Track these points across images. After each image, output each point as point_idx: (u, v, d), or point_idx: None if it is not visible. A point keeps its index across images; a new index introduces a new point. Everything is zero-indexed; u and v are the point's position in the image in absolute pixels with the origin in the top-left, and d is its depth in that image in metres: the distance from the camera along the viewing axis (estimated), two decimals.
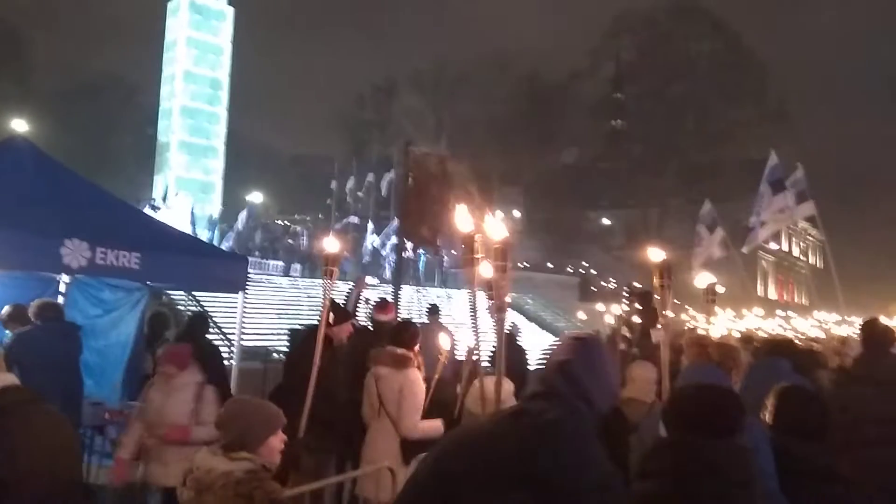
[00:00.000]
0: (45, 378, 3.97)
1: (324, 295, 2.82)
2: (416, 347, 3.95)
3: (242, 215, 24.02)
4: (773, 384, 3.01)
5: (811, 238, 58.16)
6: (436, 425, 3.76)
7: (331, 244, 2.81)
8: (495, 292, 2.42)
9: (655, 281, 3.18)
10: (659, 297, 3.25)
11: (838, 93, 64.31)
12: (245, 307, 7.35)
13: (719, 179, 33.04)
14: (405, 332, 4.03)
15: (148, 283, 6.67)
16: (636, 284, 8.01)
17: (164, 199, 23.54)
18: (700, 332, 5.42)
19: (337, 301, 4.47)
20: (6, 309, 5.23)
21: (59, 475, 1.84)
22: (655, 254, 3.29)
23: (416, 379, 3.79)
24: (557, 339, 6.66)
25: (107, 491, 5.37)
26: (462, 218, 2.52)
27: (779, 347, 5.11)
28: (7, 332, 4.86)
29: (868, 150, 52.13)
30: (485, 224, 2.49)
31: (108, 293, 6.73)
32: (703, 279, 3.72)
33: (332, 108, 62.31)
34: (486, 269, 3.66)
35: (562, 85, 47.26)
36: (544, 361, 1.77)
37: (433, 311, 8.03)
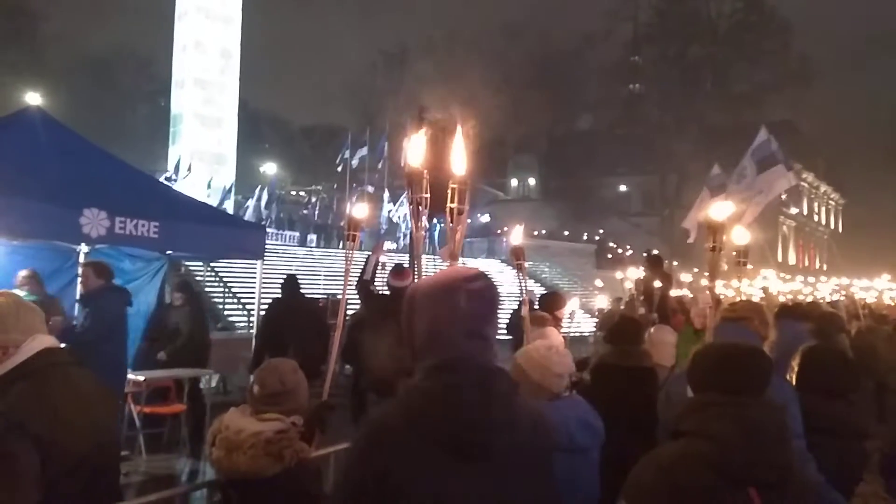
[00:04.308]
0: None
1: (346, 260, 2.77)
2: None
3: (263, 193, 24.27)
4: (795, 346, 2.97)
5: (832, 202, 57.09)
6: None
7: (358, 210, 2.73)
8: (450, 238, 2.19)
9: (708, 243, 2.76)
10: (710, 262, 2.87)
11: (862, 51, 62.05)
12: (262, 277, 7.40)
13: (739, 143, 32.25)
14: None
15: (168, 252, 6.71)
16: (654, 251, 7.92)
17: (177, 169, 23.55)
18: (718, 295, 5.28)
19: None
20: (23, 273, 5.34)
21: (98, 437, 1.85)
22: (719, 210, 2.79)
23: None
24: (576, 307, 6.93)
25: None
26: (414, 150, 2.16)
27: (800, 310, 5.06)
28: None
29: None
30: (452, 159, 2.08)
31: (128, 263, 6.79)
32: (740, 236, 3.42)
33: (343, 78, 61.75)
34: (515, 237, 3.56)
35: (576, 49, 46.22)
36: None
37: None
